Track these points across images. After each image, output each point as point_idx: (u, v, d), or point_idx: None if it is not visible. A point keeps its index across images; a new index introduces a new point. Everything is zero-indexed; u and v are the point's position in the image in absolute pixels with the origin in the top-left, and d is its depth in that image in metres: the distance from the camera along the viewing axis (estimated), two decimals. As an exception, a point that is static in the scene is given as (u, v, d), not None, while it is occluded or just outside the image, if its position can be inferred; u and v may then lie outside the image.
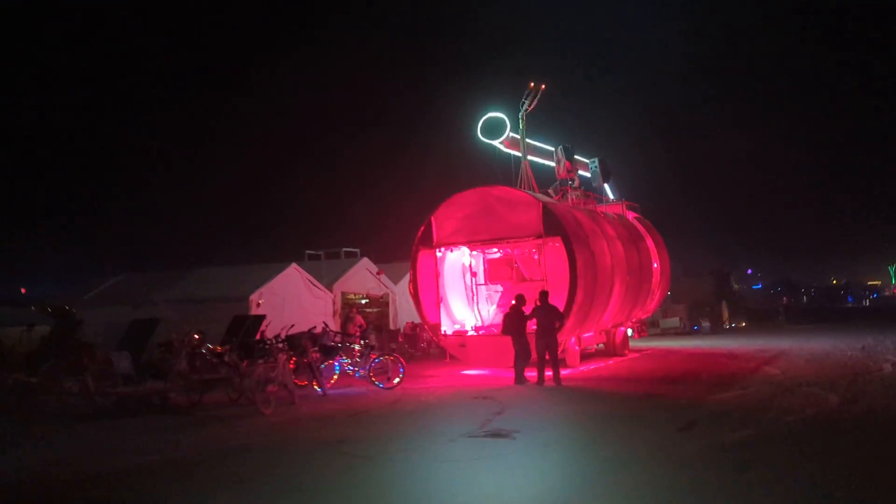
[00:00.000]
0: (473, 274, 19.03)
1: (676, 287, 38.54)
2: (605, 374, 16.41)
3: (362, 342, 15.26)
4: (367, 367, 14.59)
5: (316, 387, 14.15)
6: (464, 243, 17.25)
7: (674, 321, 30.71)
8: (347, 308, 22.46)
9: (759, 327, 35.87)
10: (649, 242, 22.32)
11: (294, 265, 20.00)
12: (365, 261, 23.34)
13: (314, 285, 20.66)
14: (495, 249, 20.01)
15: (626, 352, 20.95)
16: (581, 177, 21.63)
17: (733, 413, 10.65)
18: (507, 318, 15.16)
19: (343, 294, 23.05)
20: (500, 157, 18.62)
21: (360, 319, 22.07)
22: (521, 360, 14.92)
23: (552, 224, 16.01)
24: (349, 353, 14.88)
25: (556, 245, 16.17)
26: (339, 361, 14.82)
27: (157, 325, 15.42)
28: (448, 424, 10.47)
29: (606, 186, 23.68)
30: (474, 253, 19.43)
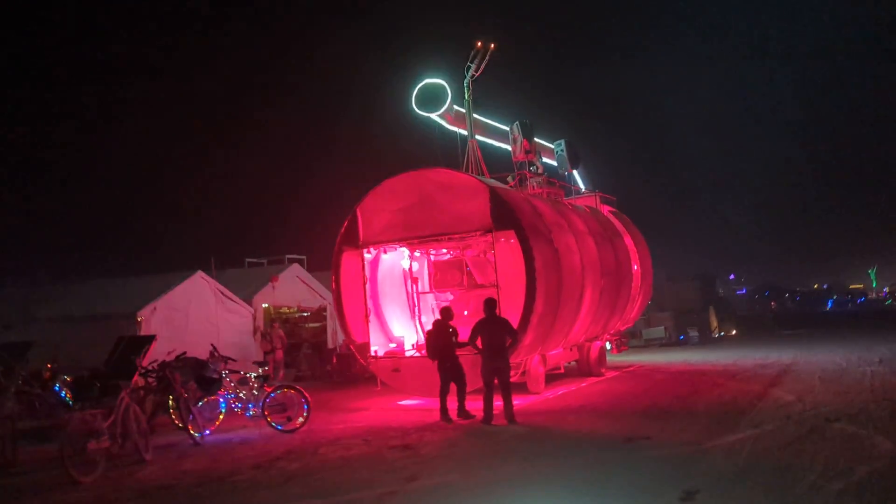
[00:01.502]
0: (415, 280, 15.63)
1: (660, 293, 35.32)
2: (574, 404, 13.02)
3: (260, 370, 11.77)
4: (261, 404, 11.12)
5: (192, 431, 10.66)
6: (397, 241, 13.85)
7: (658, 331, 27.46)
8: (269, 322, 18.96)
9: (750, 335, 32.72)
10: (628, 240, 19.04)
11: (200, 273, 16.50)
12: (295, 268, 19.87)
13: (228, 298, 17.13)
14: (444, 251, 16.65)
15: (604, 370, 17.62)
16: (547, 166, 18.33)
17: (751, 472, 7.30)
18: (430, 336, 11.77)
19: (270, 308, 19.57)
20: (444, 137, 15.33)
21: (282, 335, 18.63)
22: (446, 390, 11.54)
23: (503, 214, 12.67)
24: (245, 385, 11.42)
25: (509, 241, 12.81)
26: (224, 397, 11.33)
27: (29, 350, 12.36)
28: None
29: (576, 175, 20.40)
30: (417, 254, 16.03)
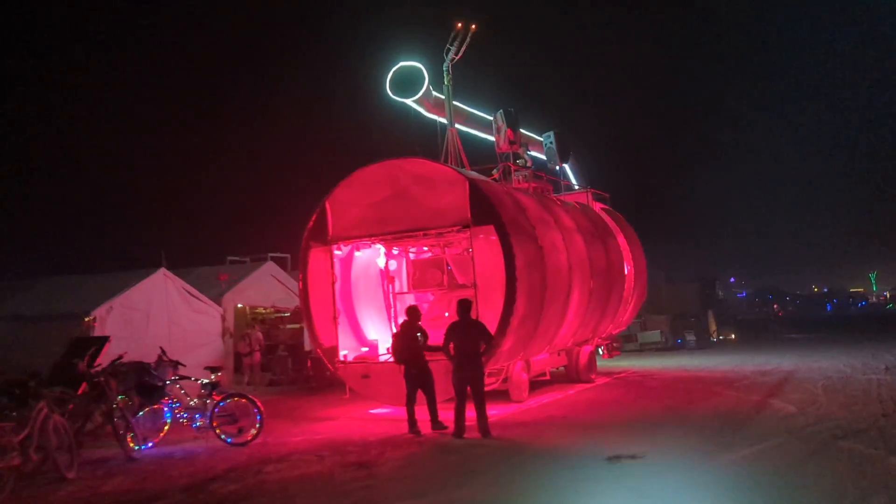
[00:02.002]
0: (391, 280, 14.59)
1: (657, 296, 34.30)
2: (558, 414, 11.99)
3: (213, 376, 10.74)
4: (209, 415, 10.08)
5: (130, 444, 9.63)
6: (368, 237, 12.80)
7: (654, 335, 26.43)
8: (248, 324, 17.94)
9: (750, 340, 31.72)
10: (621, 240, 18.01)
11: (163, 271, 15.45)
12: (269, 265, 18.83)
13: (194, 297, 16.10)
14: (425, 248, 15.63)
15: (594, 376, 16.58)
16: (536, 159, 17.31)
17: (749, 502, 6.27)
18: (396, 339, 10.74)
19: (245, 308, 18.54)
20: (423, 126, 14.26)
21: (260, 337, 17.61)
22: (413, 398, 10.53)
23: (483, 208, 11.64)
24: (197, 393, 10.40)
25: (488, 237, 11.78)
26: (169, 406, 10.29)
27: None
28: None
29: (567, 169, 19.39)
30: (395, 252, 15.01)
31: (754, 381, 15.57)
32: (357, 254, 13.63)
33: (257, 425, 10.04)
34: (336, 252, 13.02)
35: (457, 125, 14.62)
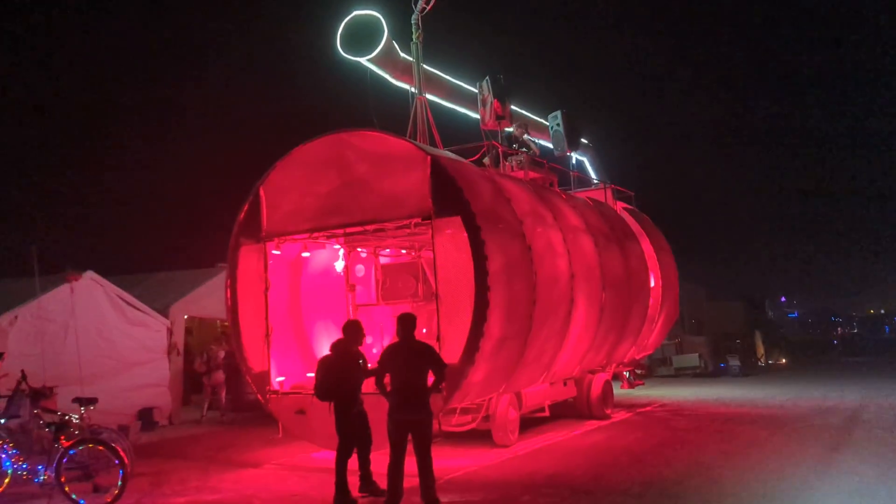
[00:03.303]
0: (351, 288, 11.83)
1: (697, 315, 31.01)
2: (545, 469, 9.04)
3: (82, 410, 8.12)
4: (55, 466, 7.44)
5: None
6: (310, 231, 10.05)
7: (692, 359, 23.10)
8: (218, 339, 15.36)
9: (803, 365, 28.03)
10: (646, 245, 14.96)
11: (90, 274, 12.99)
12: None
13: (130, 306, 13.60)
14: (403, 251, 12.87)
15: (609, 411, 13.55)
16: (543, 149, 14.42)
17: None
18: (323, 367, 7.91)
19: (211, 320, 16.04)
20: (391, 97, 11.44)
21: (221, 355, 15.05)
22: (347, 452, 7.71)
23: (448, 194, 8.82)
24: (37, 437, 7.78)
25: (457, 233, 8.94)
26: (5, 452, 7.68)
27: None
28: None
29: (586, 163, 16.46)
30: (363, 254, 12.28)
31: (811, 422, 12.35)
32: (305, 255, 10.91)
33: (119, 482, 7.35)
34: (274, 252, 10.32)
35: (437, 99, 11.82)
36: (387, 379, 7.40)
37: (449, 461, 9.56)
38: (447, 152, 9.95)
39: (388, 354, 7.47)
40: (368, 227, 9.71)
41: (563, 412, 13.33)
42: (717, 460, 9.24)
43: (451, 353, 8.66)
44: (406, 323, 7.51)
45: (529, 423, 12.15)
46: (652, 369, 23.64)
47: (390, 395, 7.35)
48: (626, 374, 15.45)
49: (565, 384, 12.93)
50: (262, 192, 10.21)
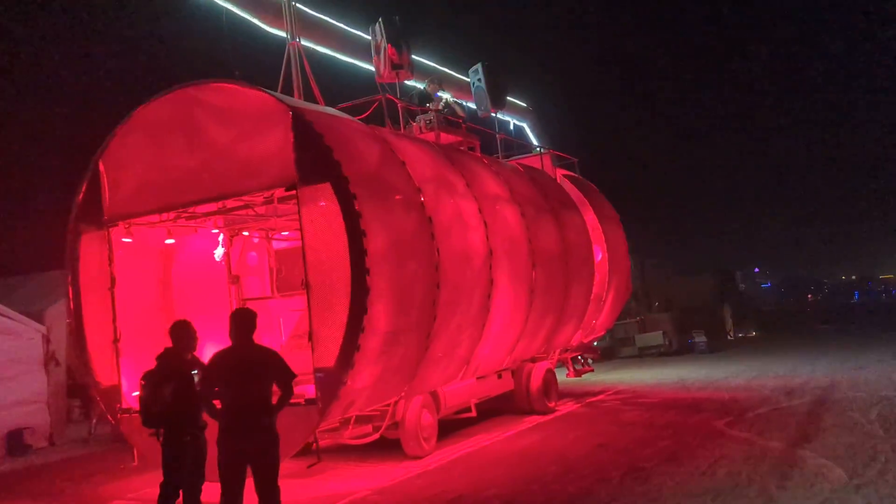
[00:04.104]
0: (234, 280, 10.06)
1: (664, 291, 29.60)
2: (452, 493, 7.40)
3: None
4: None
5: None
6: (157, 211, 8.26)
7: (655, 337, 21.62)
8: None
9: (773, 336, 26.73)
10: (589, 216, 13.35)
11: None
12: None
13: (-5, 313, 11.72)
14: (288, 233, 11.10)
15: (552, 404, 11.98)
16: (470, 110, 12.68)
17: None
18: (149, 384, 6.18)
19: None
20: (267, 54, 9.60)
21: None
22: (173, 491, 6.00)
23: (315, 156, 7.08)
24: None
25: (329, 205, 7.19)
26: None
27: None
28: None
29: (527, 129, 14.81)
30: (254, 237, 10.54)
31: (776, 406, 10.86)
32: (169, 242, 9.11)
33: None
34: (124, 239, 8.50)
35: (326, 50, 9.99)
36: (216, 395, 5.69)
37: (336, 484, 7.91)
38: (318, 106, 8.18)
39: (217, 364, 5.75)
40: (227, 204, 7.96)
41: (503, 407, 11.77)
42: (660, 466, 7.66)
43: (327, 355, 6.97)
44: (241, 322, 5.78)
45: (459, 424, 10.54)
46: (615, 350, 22.19)
47: (220, 417, 5.64)
48: (574, 360, 13.86)
49: (500, 377, 11.32)
50: (101, 167, 8.37)
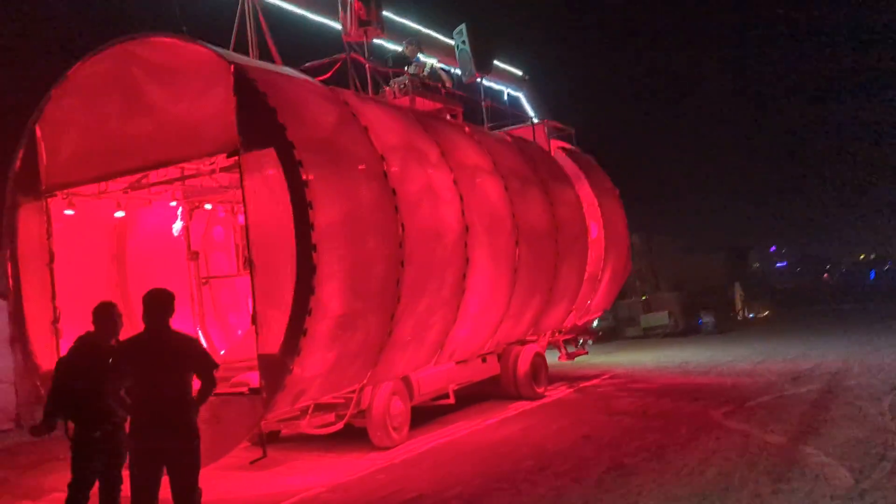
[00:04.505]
0: (193, 256, 9.37)
1: (673, 268, 28.68)
2: (412, 492, 6.72)
3: None
4: None
5: None
6: (96, 180, 7.54)
7: (661, 317, 20.83)
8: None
9: (786, 316, 25.81)
10: (584, 190, 12.54)
11: None
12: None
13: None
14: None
15: (541, 389, 11.29)
16: (456, 78, 11.86)
17: None
18: (59, 373, 5.51)
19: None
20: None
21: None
22: (82, 495, 5.34)
23: (258, 118, 6.34)
24: None
25: (276, 173, 6.45)
26: None
27: None
28: None
29: (523, 99, 13.98)
30: (216, 210, 9.84)
31: (780, 393, 10.10)
32: (118, 214, 8.43)
33: None
34: (66, 212, 7.82)
35: (288, 5, 9.15)
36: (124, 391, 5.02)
37: (291, 479, 7.27)
38: (267, 64, 7.40)
39: (127, 352, 5.07)
40: (171, 172, 7.26)
41: (491, 391, 11.09)
42: (645, 463, 6.94)
43: (271, 341, 6.29)
44: (154, 304, 5.09)
45: (438, 411, 9.87)
46: (619, 331, 21.45)
47: (131, 413, 4.98)
48: (567, 342, 13.14)
49: (484, 361, 10.63)
50: (38, 133, 7.67)
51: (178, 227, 9.17)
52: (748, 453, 6.99)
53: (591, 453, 7.55)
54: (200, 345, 5.12)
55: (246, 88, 6.41)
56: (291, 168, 6.25)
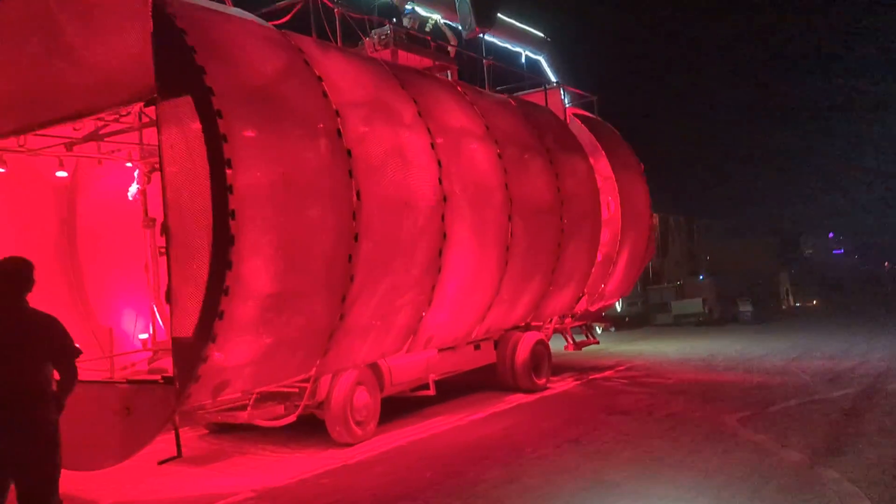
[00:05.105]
0: (149, 224, 8.49)
1: (715, 253, 27.05)
2: (358, 498, 5.79)
3: None
4: None
5: None
6: (15, 133, 6.69)
7: (694, 304, 19.45)
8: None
9: (836, 308, 24.02)
10: (601, 163, 11.32)
11: None
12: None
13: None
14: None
15: (542, 381, 10.23)
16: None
17: None
18: None
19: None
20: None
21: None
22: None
23: (175, 58, 5.38)
24: None
25: (192, 126, 5.49)
26: None
27: None
28: None
29: (543, 63, 12.77)
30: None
31: (810, 398, 8.83)
32: (61, 175, 7.63)
33: None
34: (-3, 171, 7.03)
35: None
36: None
37: (221, 480, 6.42)
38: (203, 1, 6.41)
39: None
40: (77, 125, 6.38)
41: (490, 381, 10.09)
42: (631, 482, 5.85)
43: (185, 323, 5.37)
44: (8, 277, 4.20)
45: (426, 402, 8.89)
46: (649, 317, 20.16)
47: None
48: (585, 330, 12.02)
49: (477, 348, 9.62)
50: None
51: (133, 190, 8.33)
52: (756, 474, 5.84)
53: (573, 463, 6.49)
54: (61, 327, 4.22)
55: (162, 24, 5.43)
56: (209, 119, 5.27)
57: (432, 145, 7.49)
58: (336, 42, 7.50)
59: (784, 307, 24.03)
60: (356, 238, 6.30)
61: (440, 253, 7.41)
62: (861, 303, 25.20)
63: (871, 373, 10.36)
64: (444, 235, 7.45)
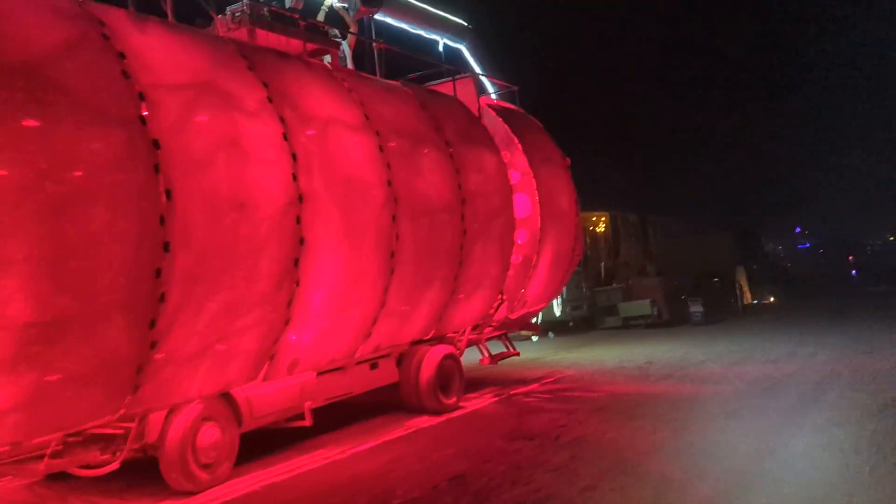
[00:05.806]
0: None
1: (670, 251, 26.28)
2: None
3: None
4: None
5: None
6: None
7: (641, 306, 18.52)
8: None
9: (794, 305, 23.28)
10: (516, 157, 10.30)
11: None
12: None
13: None
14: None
15: (452, 400, 9.18)
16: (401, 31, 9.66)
17: None
18: None
19: None
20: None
21: None
22: None
23: None
24: None
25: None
26: None
27: None
28: None
29: (465, 52, 11.76)
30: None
31: (741, 409, 7.85)
32: None
33: None
34: None
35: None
36: None
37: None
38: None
39: None
40: None
41: (380, 406, 9.01)
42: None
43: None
44: None
45: (311, 432, 7.74)
46: (597, 321, 19.22)
47: None
48: (503, 340, 10.98)
49: (374, 367, 8.52)
50: None
51: None
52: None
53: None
54: None
55: None
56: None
57: (285, 136, 6.38)
58: (167, 17, 6.35)
59: (740, 305, 23.24)
60: (166, 247, 5.17)
61: (296, 262, 6.30)
62: (819, 298, 24.57)
63: (811, 380, 9.44)
64: (302, 241, 6.34)
